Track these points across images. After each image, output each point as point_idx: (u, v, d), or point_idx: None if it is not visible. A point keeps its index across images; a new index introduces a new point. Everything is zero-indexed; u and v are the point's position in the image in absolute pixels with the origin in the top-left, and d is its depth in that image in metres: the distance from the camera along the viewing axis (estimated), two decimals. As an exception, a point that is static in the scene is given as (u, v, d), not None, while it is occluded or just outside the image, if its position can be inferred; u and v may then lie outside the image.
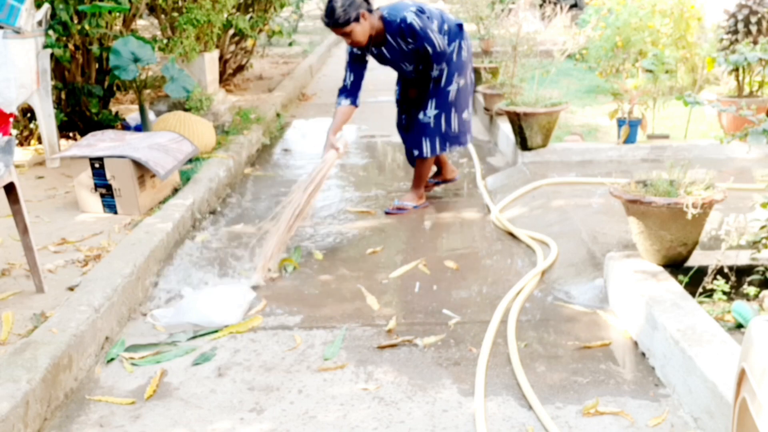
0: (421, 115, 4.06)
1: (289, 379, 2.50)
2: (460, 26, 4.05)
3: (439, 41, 3.84)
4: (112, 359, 2.62)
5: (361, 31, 3.73)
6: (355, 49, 3.94)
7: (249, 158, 5.37)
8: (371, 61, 4.05)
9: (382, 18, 3.80)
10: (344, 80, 4.04)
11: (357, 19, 3.68)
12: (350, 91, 4.01)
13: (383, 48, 3.92)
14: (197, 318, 2.86)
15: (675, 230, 2.79)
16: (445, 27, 3.95)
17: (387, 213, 4.10)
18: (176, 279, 3.28)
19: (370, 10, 3.75)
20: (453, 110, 4.08)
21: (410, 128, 4.23)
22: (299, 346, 2.72)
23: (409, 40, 3.81)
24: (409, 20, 3.75)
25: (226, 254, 3.57)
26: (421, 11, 3.82)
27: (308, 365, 2.59)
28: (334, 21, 3.68)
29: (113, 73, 4.72)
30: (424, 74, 4.03)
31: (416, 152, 4.13)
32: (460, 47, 4.01)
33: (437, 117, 4.04)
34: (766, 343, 1.36)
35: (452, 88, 4.02)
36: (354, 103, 4.01)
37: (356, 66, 4.00)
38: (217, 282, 3.23)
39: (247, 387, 2.46)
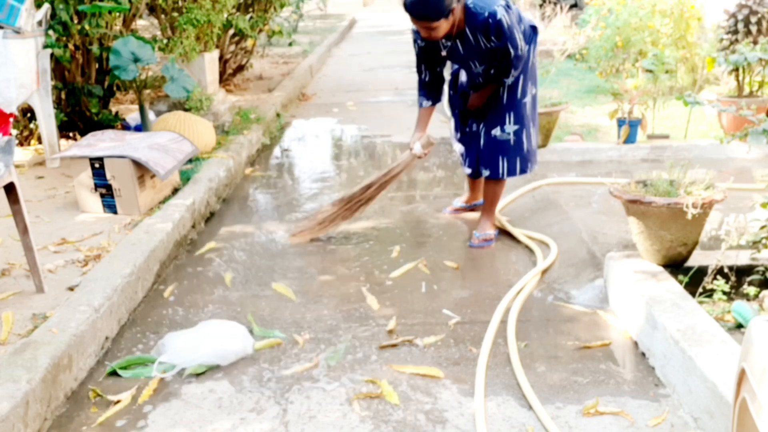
0: (497, 132, 3.56)
1: (290, 379, 2.50)
2: (534, 29, 3.54)
3: (522, 44, 3.34)
4: (113, 371, 2.59)
5: (446, 26, 3.24)
6: (420, 42, 3.48)
7: (249, 158, 5.37)
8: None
9: (466, 9, 3.27)
10: (419, 76, 3.66)
11: (448, 15, 3.18)
12: (429, 89, 3.64)
13: (458, 41, 3.37)
14: (210, 357, 2.58)
15: (675, 230, 2.79)
16: (522, 27, 3.40)
17: (473, 247, 3.63)
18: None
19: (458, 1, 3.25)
20: (531, 125, 3.64)
21: (474, 143, 3.72)
22: (300, 347, 2.72)
23: (492, 38, 3.27)
24: (498, 16, 3.21)
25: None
26: (509, 6, 3.31)
27: (308, 365, 2.58)
28: (425, 11, 3.16)
29: (113, 73, 4.72)
30: (491, 79, 3.51)
31: (487, 172, 3.63)
32: (533, 53, 3.55)
33: (518, 133, 3.56)
34: (766, 343, 1.36)
35: (527, 100, 3.57)
36: (435, 102, 3.67)
37: (428, 59, 3.56)
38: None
39: (247, 388, 2.46)
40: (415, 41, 3.53)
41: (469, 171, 3.84)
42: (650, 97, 4.99)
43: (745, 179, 4.11)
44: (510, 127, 3.54)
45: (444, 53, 3.48)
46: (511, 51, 3.31)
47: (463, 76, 3.74)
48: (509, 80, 3.46)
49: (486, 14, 3.22)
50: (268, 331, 2.80)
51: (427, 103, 3.65)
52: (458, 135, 3.87)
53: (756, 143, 2.79)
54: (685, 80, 6.37)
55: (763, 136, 2.77)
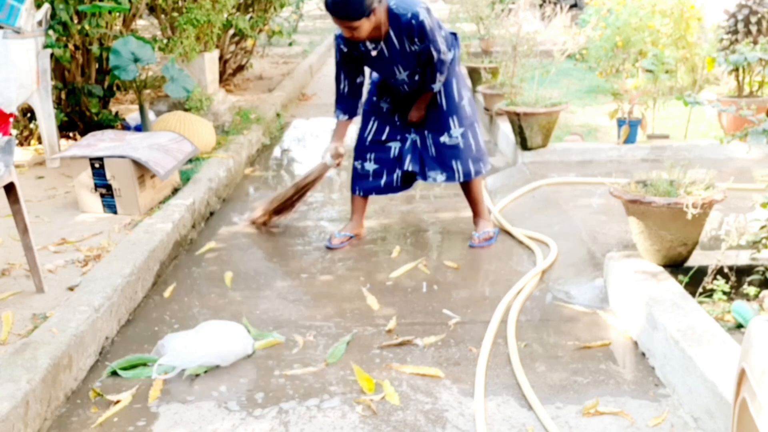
0: (445, 138, 3.56)
1: (290, 379, 2.50)
2: (455, 36, 3.58)
3: (444, 48, 3.38)
4: (114, 372, 2.58)
5: (368, 27, 3.23)
6: (343, 47, 3.43)
7: (249, 158, 5.37)
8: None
9: (389, 10, 3.28)
10: (337, 86, 3.58)
11: (369, 15, 3.17)
12: (347, 102, 3.58)
13: (383, 45, 3.36)
14: (209, 357, 2.57)
15: (675, 230, 2.79)
16: (443, 33, 3.44)
17: (473, 247, 3.64)
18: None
19: (379, 1, 3.24)
20: (475, 124, 3.66)
21: (417, 155, 3.64)
22: (300, 347, 2.72)
23: (416, 40, 3.30)
24: (421, 17, 3.24)
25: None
26: (429, 10, 3.33)
27: (308, 365, 2.58)
28: (346, 11, 3.14)
29: (113, 73, 4.72)
30: (417, 88, 3.53)
31: (443, 177, 3.60)
32: (457, 57, 3.59)
33: (464, 136, 3.59)
34: (766, 343, 1.36)
35: (465, 103, 3.61)
36: (352, 116, 3.62)
37: (351, 68, 3.52)
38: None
39: (247, 388, 2.46)
40: (338, 47, 3.47)
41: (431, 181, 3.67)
42: (650, 97, 4.99)
43: (745, 179, 4.11)
44: (456, 131, 3.56)
45: (366, 58, 3.46)
46: (434, 54, 3.33)
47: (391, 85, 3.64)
48: (436, 86, 3.47)
49: (409, 15, 3.25)
50: (264, 333, 2.79)
51: (343, 117, 3.60)
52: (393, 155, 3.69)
53: (756, 143, 2.79)
54: (685, 80, 6.37)
55: (763, 136, 2.77)
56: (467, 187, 3.73)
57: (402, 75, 3.47)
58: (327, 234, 3.85)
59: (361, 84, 3.59)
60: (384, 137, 3.67)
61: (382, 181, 3.71)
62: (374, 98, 3.69)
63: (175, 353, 2.55)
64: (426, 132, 3.61)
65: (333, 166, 3.75)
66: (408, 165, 3.63)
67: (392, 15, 3.28)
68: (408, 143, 3.65)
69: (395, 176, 3.70)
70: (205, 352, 2.56)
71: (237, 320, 2.87)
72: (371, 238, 3.82)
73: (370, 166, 3.70)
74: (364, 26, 3.20)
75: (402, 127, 3.67)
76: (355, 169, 3.75)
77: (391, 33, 3.32)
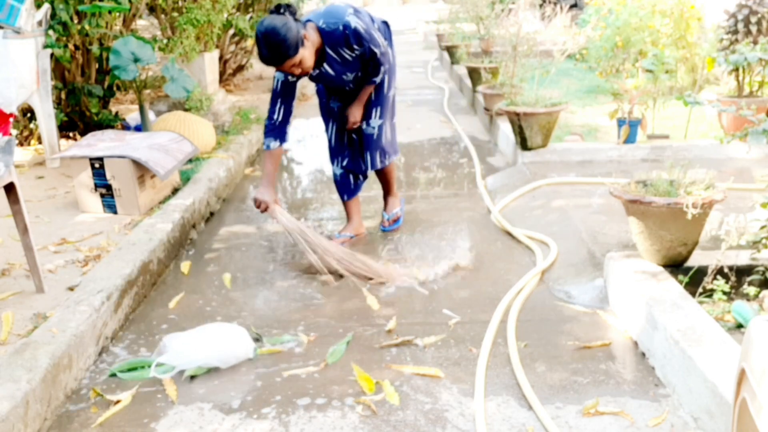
0: (363, 126, 3.61)
1: (290, 379, 2.50)
2: (386, 24, 3.58)
3: (381, 40, 3.36)
4: (113, 374, 2.58)
5: (309, 54, 3.16)
6: (284, 77, 3.32)
7: (249, 158, 5.37)
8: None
9: (319, 30, 3.22)
10: (271, 115, 3.40)
11: (303, 43, 3.11)
12: (279, 129, 3.41)
13: (324, 65, 3.34)
14: (209, 359, 2.57)
15: (675, 230, 2.79)
16: (375, 26, 3.40)
17: (385, 231, 3.85)
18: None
19: (303, 26, 3.18)
20: (390, 118, 3.72)
21: (345, 145, 3.73)
22: (302, 347, 2.72)
23: (355, 47, 3.27)
24: (353, 25, 3.20)
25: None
26: (356, 11, 3.29)
27: (308, 365, 2.58)
28: (281, 54, 3.06)
29: (113, 73, 4.73)
30: (361, 83, 3.51)
31: (365, 166, 3.69)
32: (391, 47, 3.56)
33: (381, 127, 3.63)
34: (766, 343, 1.36)
35: (391, 94, 3.66)
36: (283, 141, 3.45)
37: (287, 97, 3.38)
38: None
39: (247, 388, 2.46)
40: (277, 79, 3.34)
41: (340, 173, 3.76)
42: (650, 97, 4.99)
43: (745, 179, 4.11)
44: (375, 122, 3.60)
45: (312, 80, 3.48)
46: (375, 50, 3.32)
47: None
48: (379, 78, 3.47)
49: (341, 27, 3.21)
50: (277, 339, 2.77)
51: (275, 144, 3.41)
52: (337, 147, 3.75)
53: (756, 143, 2.79)
54: (685, 80, 6.37)
55: (763, 136, 2.77)
56: (379, 174, 3.87)
57: (349, 77, 3.47)
58: (327, 234, 3.85)
59: (292, 110, 3.46)
60: (345, 139, 3.74)
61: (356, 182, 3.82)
62: (324, 100, 3.73)
63: (175, 353, 2.55)
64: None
65: (267, 212, 3.40)
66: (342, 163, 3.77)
67: (324, 33, 3.23)
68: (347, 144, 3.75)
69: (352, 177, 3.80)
70: (204, 354, 2.56)
71: (237, 320, 2.87)
72: (371, 238, 3.82)
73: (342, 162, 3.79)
74: (306, 56, 3.14)
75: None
76: (334, 174, 3.83)
77: (328, 50, 3.28)
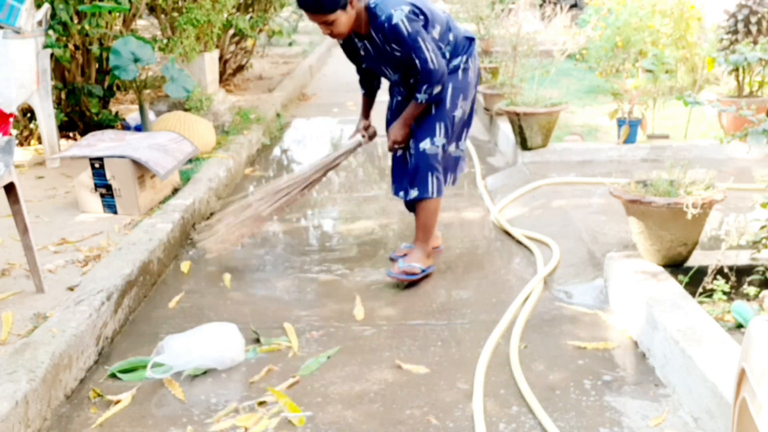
0: (426, 144, 3.15)
1: (289, 380, 2.50)
2: (470, 40, 3.22)
3: (433, 57, 2.99)
4: (113, 374, 2.58)
5: (346, 21, 2.95)
6: (339, 42, 3.23)
7: (249, 158, 5.37)
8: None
9: (368, 8, 2.99)
10: (358, 68, 3.45)
11: (345, 6, 2.90)
12: (363, 82, 3.45)
13: (366, 42, 3.11)
14: (206, 360, 2.56)
15: (675, 230, 2.79)
16: (450, 37, 3.13)
17: (389, 276, 3.20)
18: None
19: None
20: (455, 141, 3.32)
21: (401, 166, 3.40)
22: (297, 348, 2.72)
23: (392, 44, 3.00)
24: (394, 21, 2.92)
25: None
26: (415, 13, 2.97)
27: (308, 366, 2.58)
28: (317, 6, 2.88)
29: (113, 73, 4.72)
30: (412, 91, 3.20)
31: (415, 192, 3.19)
32: (466, 65, 3.19)
33: (445, 147, 3.21)
34: (766, 343, 1.36)
35: (457, 114, 3.20)
36: (369, 95, 3.47)
37: (356, 61, 3.37)
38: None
39: (244, 387, 2.46)
40: (341, 43, 3.26)
41: (401, 196, 3.41)
42: (650, 97, 4.99)
43: (745, 179, 4.11)
44: (440, 140, 3.16)
45: (360, 53, 3.22)
46: (418, 62, 2.99)
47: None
48: (421, 97, 3.07)
49: (383, 17, 2.95)
50: (273, 340, 2.77)
51: (363, 92, 3.48)
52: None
53: (756, 143, 2.79)
54: (685, 80, 6.37)
55: (763, 136, 2.77)
56: (424, 204, 3.24)
57: (393, 77, 3.24)
58: (326, 234, 3.85)
59: (378, 84, 3.47)
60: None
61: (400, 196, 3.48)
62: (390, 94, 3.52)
63: (172, 354, 2.55)
64: (410, 141, 3.26)
65: (366, 142, 3.50)
66: (395, 191, 3.47)
67: (371, 14, 3.00)
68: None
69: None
70: (200, 354, 2.55)
71: (237, 320, 2.86)
72: (371, 238, 3.82)
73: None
74: (341, 20, 2.93)
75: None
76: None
77: (372, 32, 3.04)
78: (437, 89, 3.07)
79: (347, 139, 3.57)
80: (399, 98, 3.40)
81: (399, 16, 2.93)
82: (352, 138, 3.50)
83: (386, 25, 2.95)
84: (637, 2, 6.76)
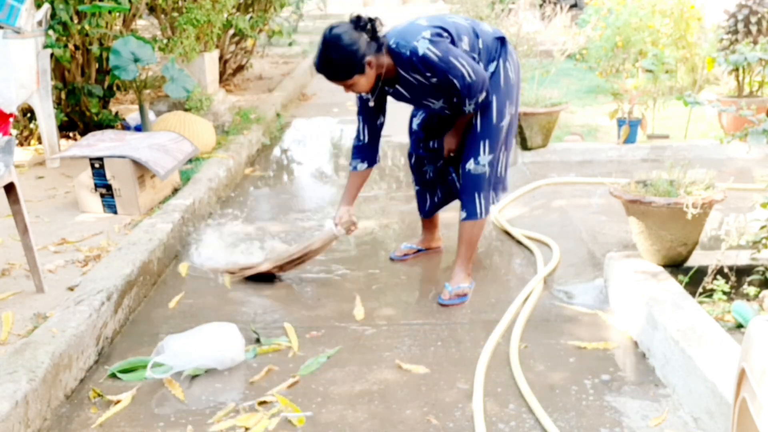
0: (471, 165, 3.04)
1: (289, 380, 2.50)
2: (501, 40, 3.04)
3: (469, 70, 2.83)
4: (113, 374, 2.58)
5: (366, 81, 2.85)
6: (364, 96, 3.07)
7: (249, 158, 5.37)
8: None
9: (390, 50, 2.85)
10: (357, 135, 3.18)
11: (362, 70, 2.79)
12: (367, 149, 3.17)
13: (398, 86, 2.98)
14: (206, 360, 2.56)
15: (675, 230, 2.79)
16: (479, 45, 2.96)
17: (443, 305, 3.03)
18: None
19: (379, 47, 2.83)
20: (505, 150, 3.18)
21: (438, 185, 3.40)
22: (297, 348, 2.72)
23: (428, 75, 2.86)
24: (421, 52, 2.78)
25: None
26: (439, 34, 2.83)
27: (308, 365, 2.58)
28: (334, 72, 2.82)
29: (113, 73, 4.72)
30: (458, 109, 3.04)
31: (464, 214, 3.12)
32: (505, 68, 3.03)
33: (492, 164, 3.08)
34: (766, 343, 1.36)
35: (505, 123, 3.06)
36: (372, 164, 3.21)
37: (368, 115, 3.13)
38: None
39: (245, 387, 2.46)
40: (357, 98, 3.12)
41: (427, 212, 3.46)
42: (650, 97, 4.99)
43: (745, 179, 4.11)
44: (484, 158, 3.05)
45: (393, 98, 3.09)
46: (456, 82, 2.84)
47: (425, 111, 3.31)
48: (469, 108, 2.96)
49: (408, 53, 2.81)
50: (272, 340, 2.77)
51: (362, 166, 3.18)
52: (415, 183, 3.46)
53: (756, 143, 2.79)
54: (685, 80, 6.37)
55: (763, 136, 2.77)
56: (469, 224, 3.15)
57: (437, 104, 3.06)
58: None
59: (382, 125, 3.19)
60: (422, 163, 3.42)
61: (428, 202, 3.49)
62: (413, 119, 3.39)
63: (172, 354, 2.55)
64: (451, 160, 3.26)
65: (343, 235, 3.27)
66: (426, 207, 3.47)
67: (394, 54, 2.86)
68: (439, 166, 3.39)
69: (436, 197, 3.48)
70: (200, 354, 2.55)
71: (237, 321, 2.86)
72: (371, 238, 3.82)
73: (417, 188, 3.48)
74: (361, 82, 2.84)
75: (436, 152, 3.34)
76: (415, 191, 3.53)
77: (401, 72, 2.90)
78: (482, 97, 2.95)
79: (329, 220, 3.34)
80: (441, 115, 3.22)
81: (423, 45, 2.80)
82: (326, 228, 3.27)
83: (414, 59, 2.82)
84: (637, 2, 6.76)
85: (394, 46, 2.85)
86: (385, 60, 2.86)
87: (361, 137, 3.17)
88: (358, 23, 2.81)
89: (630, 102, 4.81)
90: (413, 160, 3.43)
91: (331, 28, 2.80)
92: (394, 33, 2.89)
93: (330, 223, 3.24)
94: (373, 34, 2.82)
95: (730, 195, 2.93)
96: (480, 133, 3.04)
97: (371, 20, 2.83)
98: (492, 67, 3.00)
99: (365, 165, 3.19)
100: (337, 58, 2.77)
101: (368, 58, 2.79)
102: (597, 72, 6.84)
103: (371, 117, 3.13)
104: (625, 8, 6.75)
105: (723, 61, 5.02)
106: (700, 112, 5.37)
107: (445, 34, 2.87)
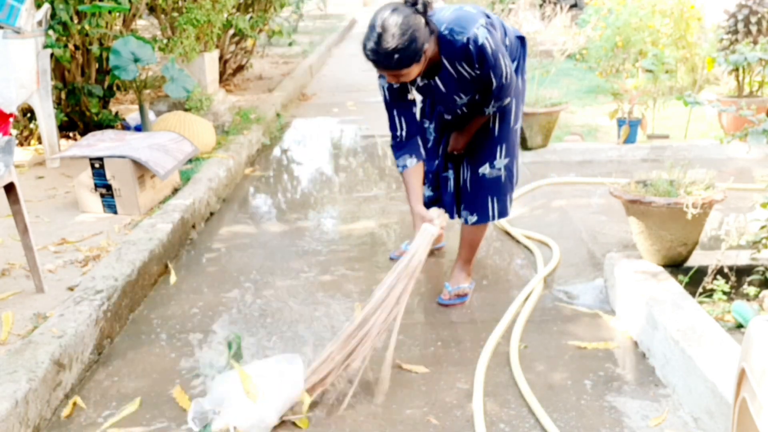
0: (485, 169, 2.92)
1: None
2: (521, 39, 2.92)
3: (508, 71, 2.68)
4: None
5: (418, 70, 2.58)
6: (390, 84, 2.80)
7: (249, 158, 5.37)
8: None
9: (440, 38, 2.61)
10: (393, 131, 2.90)
11: (420, 59, 2.51)
12: (409, 144, 2.88)
13: (437, 78, 2.73)
14: (271, 418, 2.20)
15: (675, 230, 2.79)
16: (507, 41, 2.80)
17: (443, 305, 3.00)
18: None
19: (430, 33, 2.56)
20: (517, 152, 3.04)
21: (454, 187, 3.10)
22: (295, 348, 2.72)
23: (476, 66, 2.62)
24: (480, 41, 2.56)
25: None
26: (492, 24, 2.66)
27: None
28: (396, 63, 2.49)
29: (113, 73, 4.72)
30: (475, 109, 2.85)
31: (474, 218, 3.00)
32: (523, 70, 2.94)
33: (509, 167, 2.96)
34: (766, 343, 1.36)
35: (519, 125, 2.98)
36: (420, 157, 2.88)
37: (402, 103, 2.85)
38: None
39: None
40: (383, 88, 2.85)
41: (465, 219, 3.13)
42: (650, 97, 5.00)
43: (745, 179, 4.11)
44: (501, 162, 2.93)
45: (417, 92, 2.81)
46: (494, 81, 2.67)
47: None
48: (490, 109, 2.80)
49: (465, 39, 2.57)
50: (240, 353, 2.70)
51: (411, 161, 2.86)
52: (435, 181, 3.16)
53: (756, 143, 2.79)
54: (685, 80, 6.38)
55: (763, 136, 2.77)
56: (475, 227, 3.06)
57: (462, 100, 2.81)
58: (327, 234, 3.85)
59: (417, 121, 2.91)
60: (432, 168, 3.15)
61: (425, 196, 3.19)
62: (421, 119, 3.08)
63: (234, 411, 2.16)
64: (464, 162, 3.02)
65: (442, 227, 2.78)
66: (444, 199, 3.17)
67: (444, 42, 2.60)
68: (450, 174, 3.12)
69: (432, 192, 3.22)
70: (268, 412, 2.18)
71: (237, 321, 2.86)
72: (371, 238, 3.82)
73: (426, 191, 3.20)
74: (414, 71, 2.56)
75: (444, 157, 3.10)
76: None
77: (445, 62, 2.66)
78: (507, 101, 2.82)
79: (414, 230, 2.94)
80: (452, 117, 2.97)
81: (483, 34, 2.57)
82: (423, 233, 2.68)
83: (470, 46, 2.57)
84: (637, 2, 6.76)
85: (447, 33, 2.60)
86: (433, 50, 2.61)
87: (398, 132, 2.88)
88: (415, 5, 2.52)
89: (630, 102, 4.81)
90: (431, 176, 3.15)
91: (391, 10, 2.48)
92: (441, 20, 2.61)
93: (425, 227, 2.68)
94: (428, 20, 2.55)
95: (730, 195, 2.93)
96: (497, 136, 2.91)
97: (426, 3, 2.54)
98: (513, 66, 2.81)
99: (414, 160, 2.87)
100: (400, 46, 2.45)
101: (427, 45, 2.53)
102: (597, 72, 6.84)
103: (405, 103, 2.85)
104: (625, 8, 6.76)
105: (723, 61, 5.02)
106: (700, 112, 5.37)
107: (496, 25, 2.71)
